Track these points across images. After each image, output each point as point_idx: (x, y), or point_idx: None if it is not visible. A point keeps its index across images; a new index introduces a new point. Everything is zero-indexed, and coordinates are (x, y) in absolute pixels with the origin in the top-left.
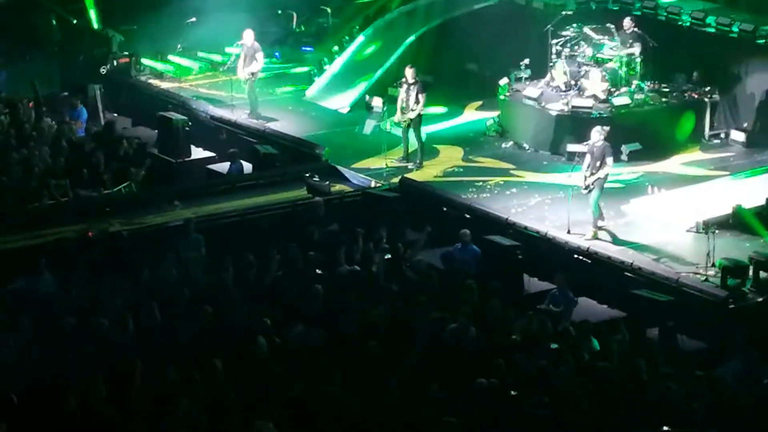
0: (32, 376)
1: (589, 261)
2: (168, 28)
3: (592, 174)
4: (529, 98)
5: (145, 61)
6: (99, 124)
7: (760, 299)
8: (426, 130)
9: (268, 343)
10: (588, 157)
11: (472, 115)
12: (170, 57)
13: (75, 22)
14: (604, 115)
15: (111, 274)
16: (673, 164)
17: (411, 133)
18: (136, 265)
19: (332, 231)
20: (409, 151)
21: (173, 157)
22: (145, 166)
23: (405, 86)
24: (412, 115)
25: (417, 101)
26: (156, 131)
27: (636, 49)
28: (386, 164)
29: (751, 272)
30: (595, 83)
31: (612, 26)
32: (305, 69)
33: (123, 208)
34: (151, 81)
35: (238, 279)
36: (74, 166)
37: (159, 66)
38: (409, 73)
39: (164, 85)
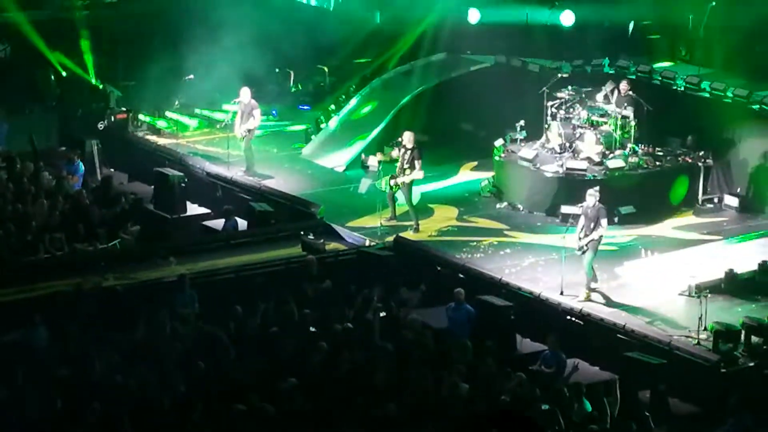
0: (27, 425)
1: (582, 322)
2: (166, 85)
3: (586, 236)
4: (524, 159)
5: (142, 116)
6: (96, 178)
7: (752, 363)
8: (421, 189)
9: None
10: (582, 219)
11: (467, 175)
12: (168, 113)
13: (73, 77)
14: (599, 178)
15: (105, 328)
16: (667, 228)
17: (399, 196)
18: (130, 320)
19: (326, 289)
20: (397, 213)
21: (169, 213)
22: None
23: (403, 150)
24: (405, 179)
25: (412, 167)
26: (152, 187)
27: (630, 112)
28: (381, 223)
29: (743, 336)
30: (590, 145)
31: (607, 88)
32: (302, 127)
33: (118, 263)
34: (148, 137)
35: (231, 333)
36: (70, 221)
37: (156, 122)
38: (407, 137)
39: (161, 141)
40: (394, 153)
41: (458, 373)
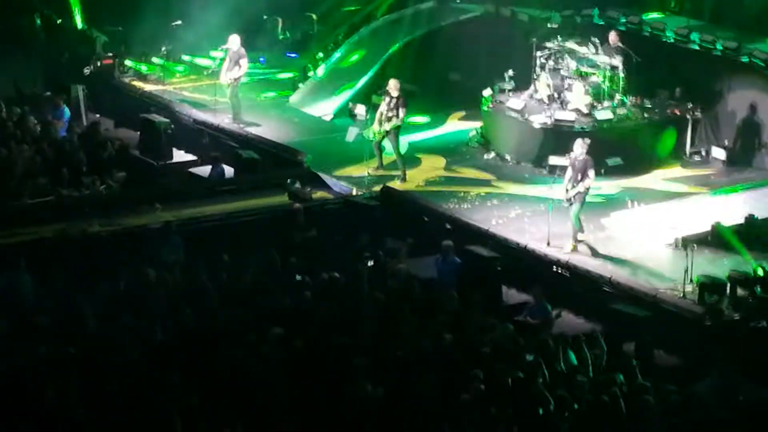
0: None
1: (568, 274)
2: (153, 31)
3: (573, 187)
4: (513, 110)
5: (128, 62)
6: (81, 124)
7: (737, 317)
8: (409, 139)
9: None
10: (569, 170)
11: (454, 125)
12: (154, 59)
13: (59, 21)
14: (587, 129)
15: (90, 275)
16: (654, 180)
17: (386, 144)
18: (115, 267)
19: (312, 237)
20: (384, 162)
21: (155, 160)
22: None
23: (387, 98)
24: (387, 126)
25: (396, 114)
26: (138, 133)
27: (619, 64)
28: (368, 173)
29: (728, 290)
30: (579, 97)
31: (597, 40)
32: (289, 75)
33: (103, 209)
34: (135, 83)
35: (216, 282)
36: (55, 166)
37: (143, 68)
38: (392, 85)
39: (147, 87)
40: (383, 105)
41: (443, 324)
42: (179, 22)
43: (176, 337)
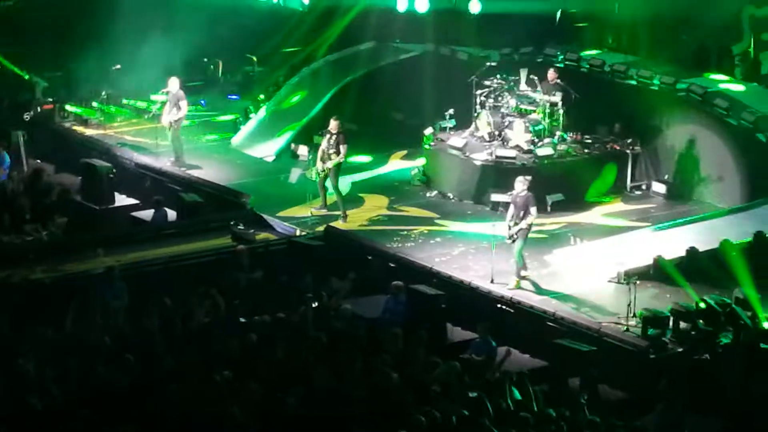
0: None
1: (512, 310)
2: (93, 75)
3: (516, 224)
4: (454, 148)
5: (69, 107)
6: (22, 170)
7: (680, 349)
8: (351, 178)
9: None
10: (512, 207)
11: (397, 164)
12: (95, 104)
13: None
14: (528, 166)
15: (33, 322)
16: (596, 215)
17: (329, 184)
18: (58, 313)
19: (257, 279)
20: (328, 202)
21: (97, 205)
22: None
23: (327, 136)
24: (329, 164)
25: (337, 152)
26: (80, 178)
27: (559, 100)
28: (311, 213)
29: (671, 323)
30: (519, 134)
31: (535, 78)
32: (231, 117)
33: (46, 255)
34: (76, 128)
35: (160, 326)
36: None
37: (84, 113)
38: (333, 124)
39: (89, 132)
40: (324, 144)
41: (388, 363)
42: (119, 66)
43: (121, 382)
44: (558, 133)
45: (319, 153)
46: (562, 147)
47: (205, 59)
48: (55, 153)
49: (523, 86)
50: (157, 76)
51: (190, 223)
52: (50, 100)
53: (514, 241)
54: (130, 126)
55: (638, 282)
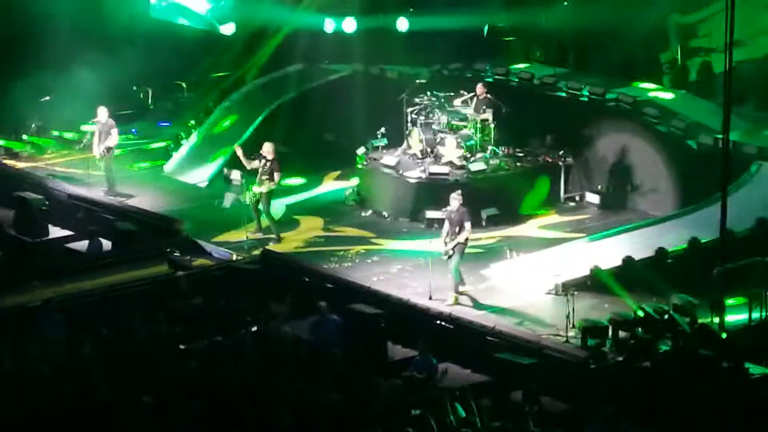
0: None
1: (452, 326)
2: (22, 108)
3: (451, 240)
4: (387, 166)
5: None
6: None
7: (620, 358)
8: (285, 201)
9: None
10: (447, 224)
11: (330, 185)
12: (24, 136)
13: None
14: (461, 181)
15: None
16: (531, 228)
17: (262, 207)
18: None
19: (196, 305)
20: (263, 225)
21: (31, 237)
22: None
23: (263, 161)
24: (263, 189)
25: (271, 179)
26: (12, 211)
27: (489, 115)
28: (247, 237)
29: (610, 332)
30: (451, 150)
31: (465, 93)
32: (162, 144)
33: None
34: (6, 161)
35: (99, 356)
36: None
37: (14, 146)
38: (267, 148)
39: (19, 164)
40: (255, 163)
41: (329, 384)
42: (48, 97)
43: (59, 413)
44: (490, 147)
45: (258, 177)
46: (494, 161)
47: (135, 87)
48: None
49: (456, 102)
50: (87, 106)
51: (125, 252)
52: None
53: (450, 257)
54: (61, 157)
55: (576, 293)
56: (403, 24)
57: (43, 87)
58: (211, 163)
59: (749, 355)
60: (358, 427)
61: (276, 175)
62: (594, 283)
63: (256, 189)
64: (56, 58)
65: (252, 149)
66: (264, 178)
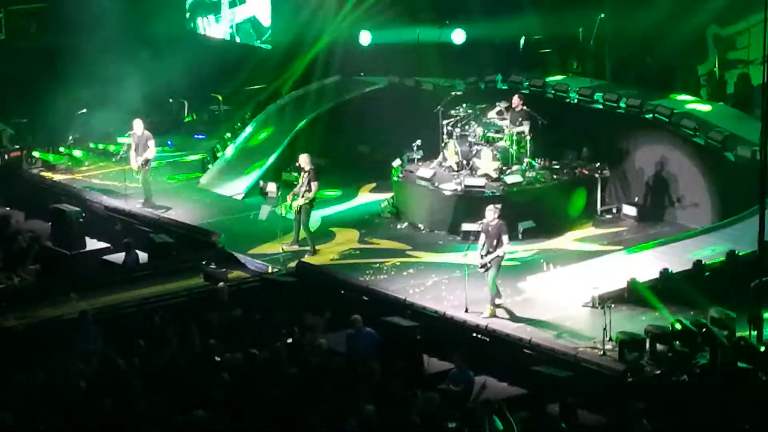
0: None
1: (488, 339)
2: (59, 121)
3: (488, 252)
4: (423, 179)
5: (36, 153)
6: None
7: (658, 372)
8: (321, 213)
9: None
10: (483, 236)
11: (366, 197)
12: (62, 149)
13: None
14: (497, 194)
15: (5, 369)
16: (567, 240)
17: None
18: (31, 359)
19: (233, 317)
20: (300, 237)
21: (68, 249)
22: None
23: (302, 172)
24: (301, 201)
25: (309, 189)
26: (49, 224)
27: (525, 127)
28: (282, 249)
29: (647, 345)
30: (487, 162)
31: (501, 105)
32: (198, 156)
33: (18, 302)
34: (44, 174)
35: (135, 368)
36: None
37: (51, 158)
38: (302, 159)
39: (57, 177)
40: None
41: (365, 396)
42: (84, 110)
43: (95, 426)
44: (526, 160)
45: (296, 188)
46: (530, 174)
47: (170, 100)
48: (23, 200)
49: (491, 114)
50: (123, 119)
51: (161, 264)
52: (17, 147)
53: (486, 269)
54: (98, 170)
55: (613, 306)
56: (459, 36)
57: (80, 100)
58: (246, 175)
59: None
60: None
61: (314, 185)
62: (631, 295)
63: (297, 201)
64: (93, 71)
65: (288, 162)
66: (303, 189)
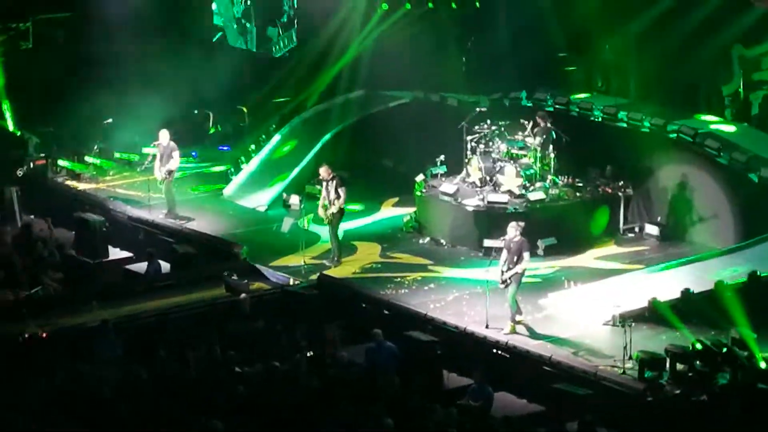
0: None
1: (508, 355)
2: (84, 130)
3: (509, 269)
4: (446, 194)
5: (61, 162)
6: (15, 226)
7: (678, 391)
8: (344, 226)
9: None
10: (505, 252)
11: (389, 211)
12: (87, 158)
13: None
14: (520, 210)
15: (26, 376)
16: (589, 258)
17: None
18: (53, 367)
19: (253, 328)
20: (331, 246)
21: (91, 258)
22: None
23: (324, 183)
24: (334, 209)
25: (338, 196)
26: (73, 232)
27: (549, 144)
28: (304, 261)
29: (667, 364)
30: (510, 178)
31: (526, 122)
32: (222, 168)
33: (40, 310)
34: (68, 182)
35: (155, 378)
36: None
37: (76, 167)
38: (323, 170)
39: (81, 186)
40: (323, 191)
41: (383, 410)
42: (110, 120)
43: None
44: (549, 177)
45: (321, 200)
46: (553, 191)
47: (195, 111)
48: (48, 208)
49: (519, 136)
50: (148, 129)
51: (183, 275)
52: (42, 155)
53: (507, 285)
54: (123, 179)
55: (633, 324)
56: None
57: (105, 109)
58: (270, 187)
59: None
60: None
61: (341, 191)
62: (652, 314)
63: (330, 210)
64: (118, 81)
65: (312, 175)
66: (332, 197)
